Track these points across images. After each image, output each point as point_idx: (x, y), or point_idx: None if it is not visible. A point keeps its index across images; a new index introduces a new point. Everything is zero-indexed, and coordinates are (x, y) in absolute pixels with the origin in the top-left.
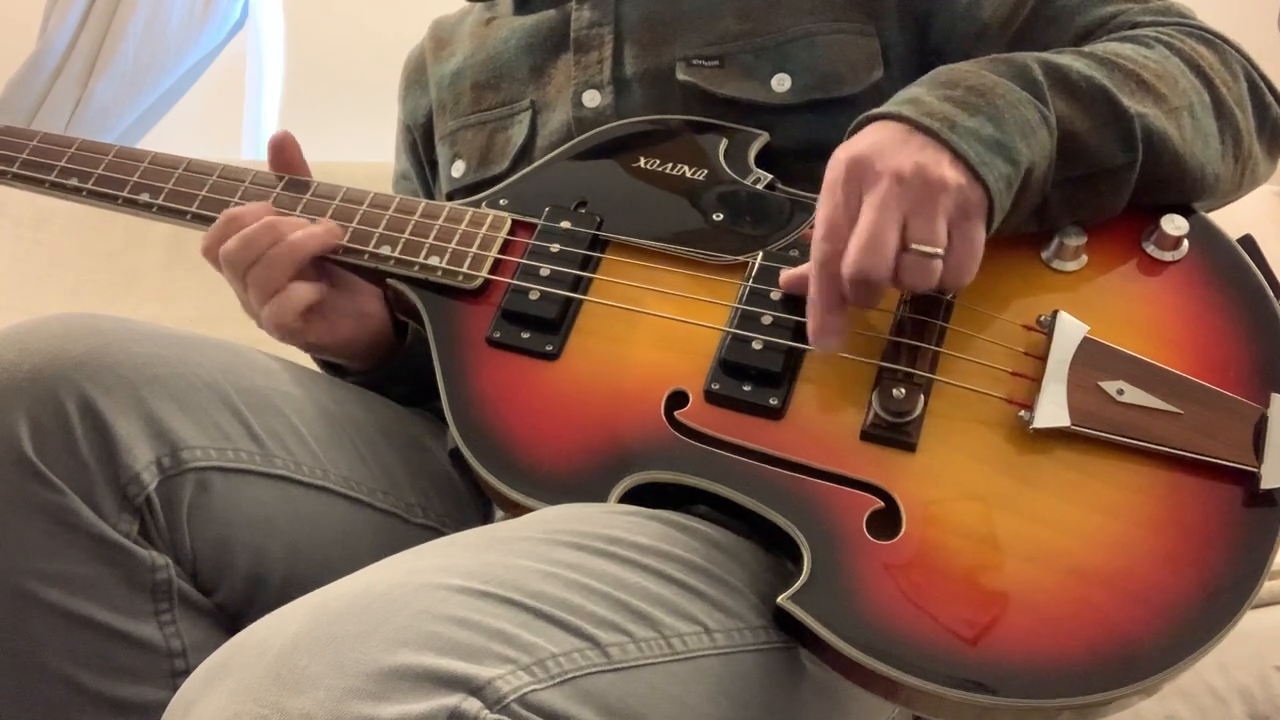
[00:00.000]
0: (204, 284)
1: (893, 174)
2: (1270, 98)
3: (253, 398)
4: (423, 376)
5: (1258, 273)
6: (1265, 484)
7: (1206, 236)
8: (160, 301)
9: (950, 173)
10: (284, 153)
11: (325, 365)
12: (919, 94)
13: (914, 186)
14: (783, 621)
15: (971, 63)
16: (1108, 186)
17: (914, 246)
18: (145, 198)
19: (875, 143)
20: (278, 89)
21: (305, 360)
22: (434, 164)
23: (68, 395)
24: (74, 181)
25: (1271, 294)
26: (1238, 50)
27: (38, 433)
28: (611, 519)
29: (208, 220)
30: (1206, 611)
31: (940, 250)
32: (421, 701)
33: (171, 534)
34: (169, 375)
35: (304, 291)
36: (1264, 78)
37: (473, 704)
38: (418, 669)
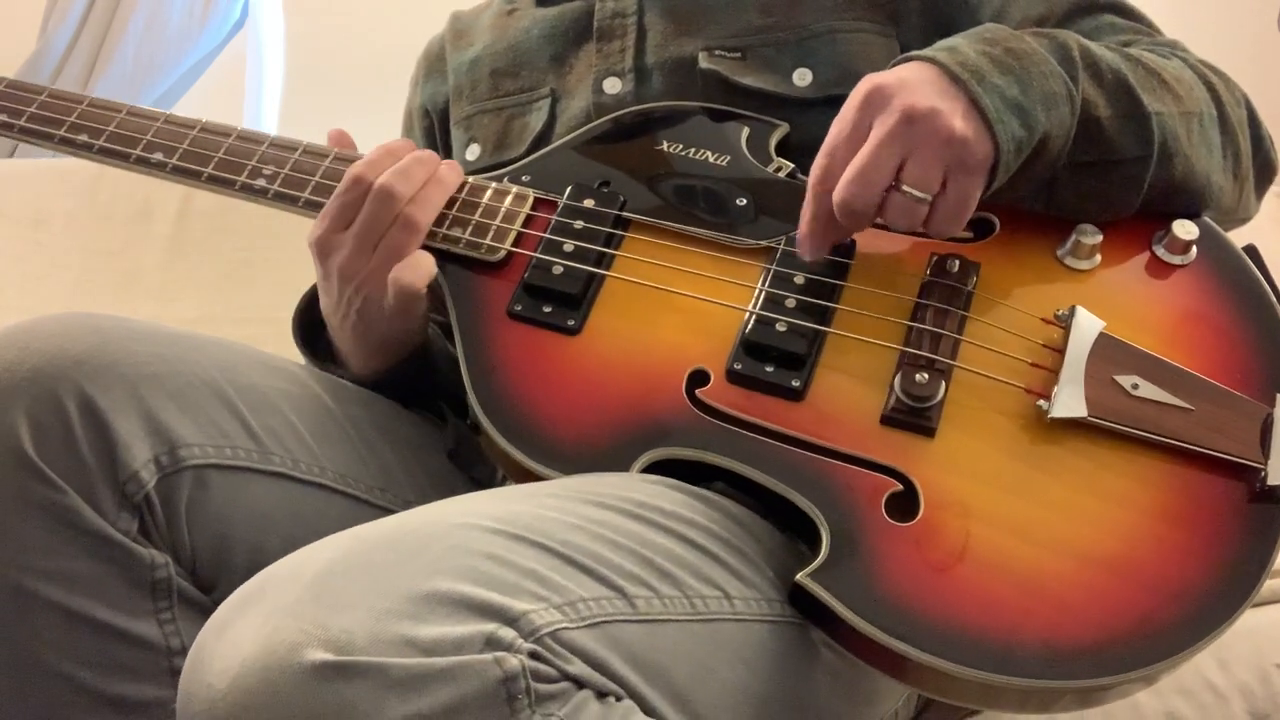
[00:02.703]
0: (204, 284)
1: (905, 110)
2: (1264, 133)
3: (251, 396)
4: (418, 385)
5: (1262, 280)
6: (1271, 480)
7: (1214, 243)
8: (160, 301)
9: (961, 124)
10: (339, 143)
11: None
12: (959, 43)
13: (921, 129)
14: (798, 600)
15: (1018, 30)
16: (1119, 179)
17: (904, 187)
18: (159, 156)
19: (901, 79)
20: (278, 89)
21: (302, 359)
22: (449, 149)
23: (67, 394)
24: (84, 138)
25: (1275, 300)
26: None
27: (37, 431)
28: (634, 485)
29: (223, 182)
30: (1211, 602)
31: (928, 196)
32: (459, 626)
33: (170, 532)
34: (167, 374)
35: (429, 260)
36: (1259, 116)
37: (508, 633)
38: (455, 596)
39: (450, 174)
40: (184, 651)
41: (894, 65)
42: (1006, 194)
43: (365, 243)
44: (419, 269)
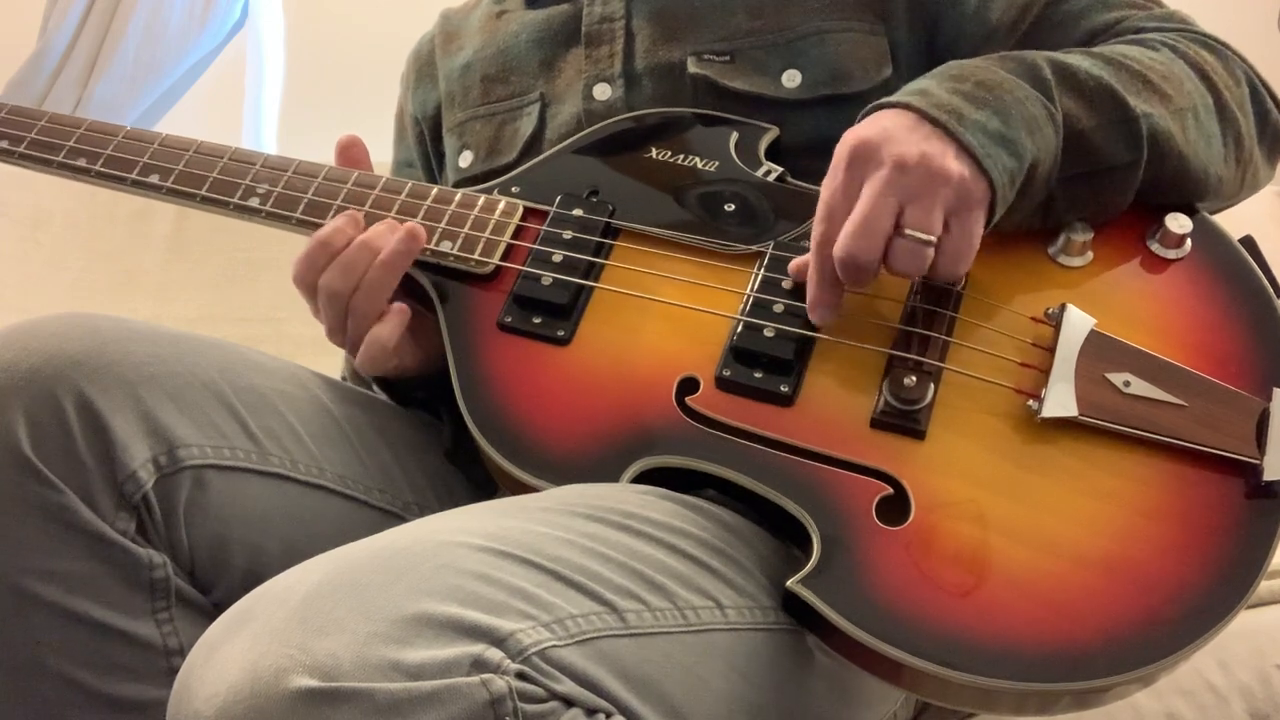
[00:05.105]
0: (204, 284)
1: (895, 161)
2: (1271, 104)
3: (249, 397)
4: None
5: (1258, 272)
6: (1267, 476)
7: (1209, 236)
8: (160, 301)
9: (954, 164)
10: (350, 151)
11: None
12: (929, 86)
13: (915, 175)
14: (791, 607)
15: (981, 58)
16: (1112, 184)
17: (907, 232)
18: (155, 179)
19: (883, 129)
20: (278, 89)
21: (302, 360)
22: (441, 155)
23: (65, 394)
24: (82, 162)
25: (1272, 292)
26: (1239, 56)
27: (36, 431)
28: (625, 495)
29: (217, 203)
30: (1207, 601)
31: (932, 238)
32: (446, 648)
33: (169, 532)
34: (166, 374)
35: (391, 327)
36: (1265, 84)
37: (495, 654)
38: (441, 617)
39: (402, 246)
40: (182, 652)
41: (866, 115)
42: (1006, 223)
43: (333, 326)
44: (378, 335)
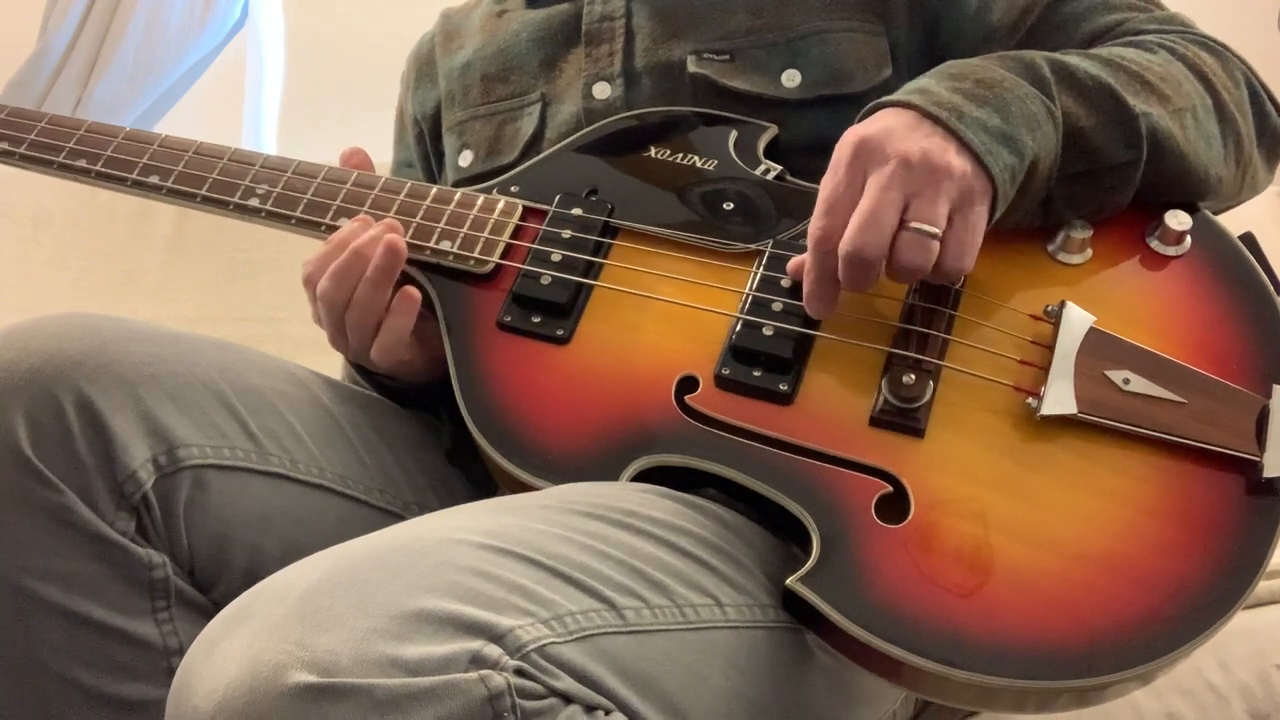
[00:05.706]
0: (204, 284)
1: (899, 157)
2: (1270, 106)
3: (249, 397)
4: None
5: (1258, 269)
6: (1267, 473)
7: (1209, 233)
8: (160, 301)
9: (956, 160)
10: (352, 161)
11: (379, 384)
12: (928, 84)
13: (919, 171)
14: (791, 605)
15: (980, 58)
16: (1111, 183)
17: (912, 225)
18: (155, 179)
19: (885, 127)
20: (278, 89)
21: (302, 360)
22: (440, 155)
23: (65, 394)
24: (83, 163)
25: (1272, 289)
26: (1239, 58)
27: (36, 431)
28: (625, 494)
29: (217, 203)
30: (1207, 599)
31: (938, 231)
32: (445, 644)
33: (169, 532)
34: (166, 374)
35: (401, 322)
36: (1264, 86)
37: (494, 650)
38: (440, 614)
39: (383, 262)
40: (182, 651)
41: (866, 114)
42: (1006, 221)
43: (333, 336)
44: (395, 333)
